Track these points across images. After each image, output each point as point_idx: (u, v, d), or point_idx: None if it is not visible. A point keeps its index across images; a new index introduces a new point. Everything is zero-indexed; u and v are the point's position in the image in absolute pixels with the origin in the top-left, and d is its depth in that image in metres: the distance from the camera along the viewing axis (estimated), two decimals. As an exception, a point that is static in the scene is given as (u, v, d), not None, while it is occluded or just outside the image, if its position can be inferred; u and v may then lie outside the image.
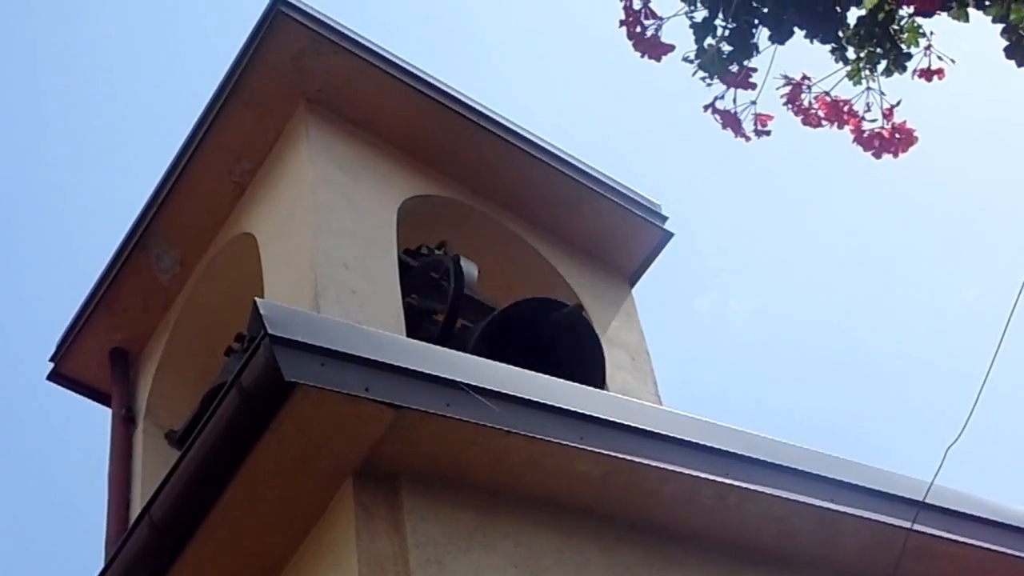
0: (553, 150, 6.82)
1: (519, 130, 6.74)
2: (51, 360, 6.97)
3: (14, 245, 14.15)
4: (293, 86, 6.30)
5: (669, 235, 7.03)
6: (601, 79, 13.67)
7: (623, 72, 13.29)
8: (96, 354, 6.85)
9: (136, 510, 6.08)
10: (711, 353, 13.31)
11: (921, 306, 13.62)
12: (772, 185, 13.68)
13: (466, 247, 6.35)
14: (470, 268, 6.12)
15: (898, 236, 13.43)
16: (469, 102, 6.63)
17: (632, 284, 7.03)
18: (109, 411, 6.79)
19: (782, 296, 13.75)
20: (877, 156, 3.00)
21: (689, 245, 11.34)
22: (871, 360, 13.21)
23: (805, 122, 3.05)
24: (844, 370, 13.34)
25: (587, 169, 6.91)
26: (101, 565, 4.23)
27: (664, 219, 7.05)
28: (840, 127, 3.03)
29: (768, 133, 3.07)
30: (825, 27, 3.00)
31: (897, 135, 2.99)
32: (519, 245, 6.74)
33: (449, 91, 6.58)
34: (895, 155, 2.99)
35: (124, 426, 6.57)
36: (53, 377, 6.98)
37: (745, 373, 13.09)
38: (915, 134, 3.01)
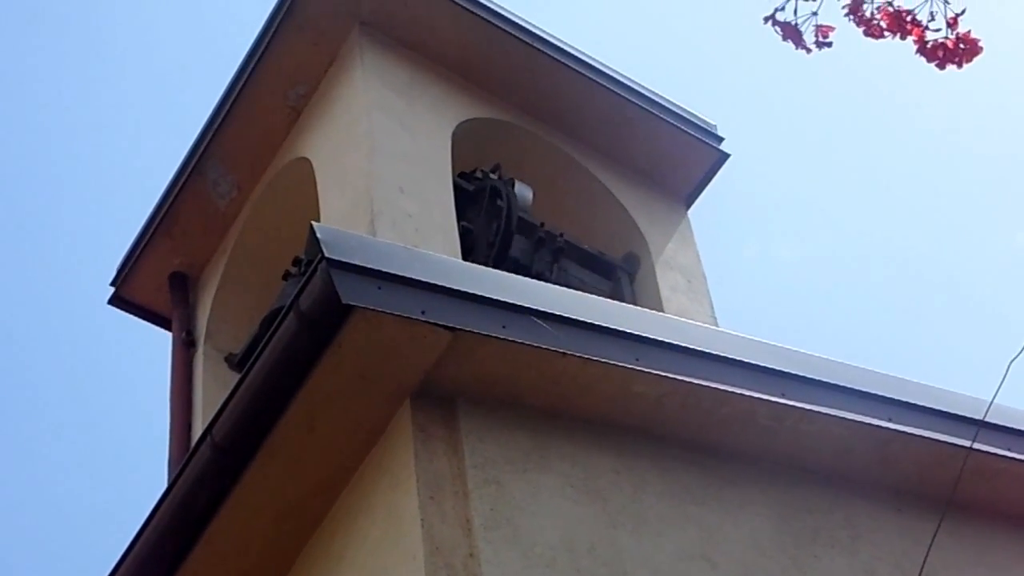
0: (607, 71, 6.75)
1: (573, 51, 6.68)
2: (112, 284, 7.06)
3: (75, 171, 14.30)
4: (347, 9, 6.28)
5: (725, 156, 6.96)
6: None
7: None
8: (156, 278, 6.93)
9: (197, 432, 6.17)
10: (758, 298, 13.23)
11: (973, 251, 13.46)
12: (821, 125, 13.51)
13: (521, 170, 6.33)
14: (524, 191, 6.10)
15: (946, 183, 13.27)
16: (522, 23, 6.57)
17: (688, 206, 6.98)
18: (169, 335, 6.88)
19: (830, 243, 13.61)
20: (941, 67, 2.94)
21: (739, 184, 11.22)
22: (926, 298, 13.09)
23: (867, 33, 2.98)
24: (898, 303, 13.22)
25: (641, 90, 6.84)
26: (164, 485, 4.30)
27: (720, 140, 6.98)
28: (903, 37, 2.97)
29: (829, 45, 3.01)
30: (888, -65, 2.93)
31: (961, 45, 2.92)
32: (574, 167, 6.70)
33: (503, 12, 6.53)
34: (959, 65, 2.93)
35: (184, 349, 6.66)
36: (114, 301, 7.08)
37: (794, 316, 13.01)
38: (979, 44, 2.94)
